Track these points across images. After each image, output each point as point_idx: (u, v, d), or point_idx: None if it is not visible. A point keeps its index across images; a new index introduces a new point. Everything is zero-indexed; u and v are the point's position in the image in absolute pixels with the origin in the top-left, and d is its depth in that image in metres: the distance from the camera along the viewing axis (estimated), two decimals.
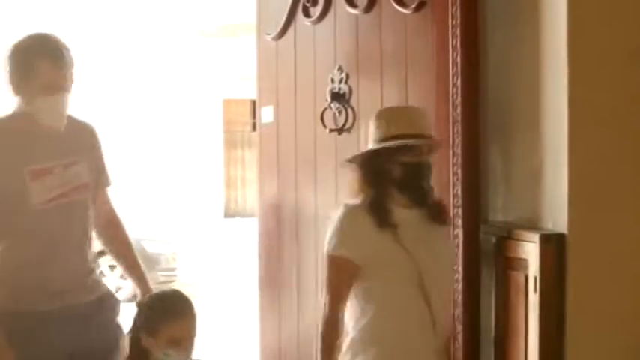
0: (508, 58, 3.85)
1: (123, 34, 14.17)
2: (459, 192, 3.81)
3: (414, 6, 4.08)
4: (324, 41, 4.75)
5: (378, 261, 3.38)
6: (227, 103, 16.16)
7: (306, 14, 4.83)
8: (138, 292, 3.92)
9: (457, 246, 3.80)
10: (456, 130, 3.81)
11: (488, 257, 3.77)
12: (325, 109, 4.66)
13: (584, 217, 3.43)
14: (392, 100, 4.24)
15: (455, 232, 3.80)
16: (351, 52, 4.59)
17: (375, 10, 4.35)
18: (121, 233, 4.01)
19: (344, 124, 4.57)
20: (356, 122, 4.51)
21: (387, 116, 3.47)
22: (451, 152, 3.82)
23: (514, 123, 3.83)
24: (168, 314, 3.49)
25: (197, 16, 14.39)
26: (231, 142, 16.90)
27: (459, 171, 3.80)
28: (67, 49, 3.69)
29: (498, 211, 3.85)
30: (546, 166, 3.61)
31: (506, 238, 3.64)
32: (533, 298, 3.44)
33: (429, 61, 4.02)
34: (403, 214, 3.43)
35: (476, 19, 3.86)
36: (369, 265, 3.37)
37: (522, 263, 3.53)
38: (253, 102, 6.95)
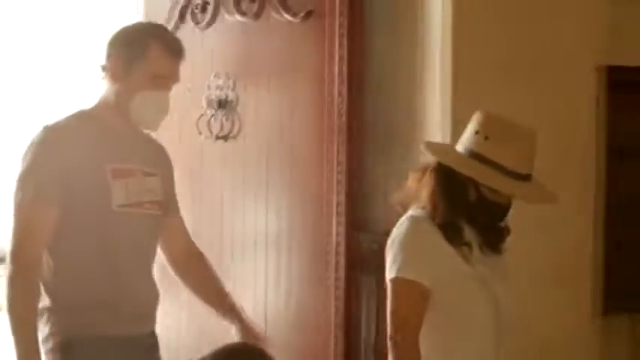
0: (390, 71, 3.92)
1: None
2: (342, 200, 3.86)
3: (301, 15, 4.12)
4: (212, 48, 4.74)
5: (452, 286, 2.73)
6: None
7: (195, 21, 4.81)
8: (237, 336, 3.21)
9: (338, 253, 3.84)
10: (340, 139, 3.85)
11: (369, 265, 3.81)
12: (212, 116, 4.65)
13: None
14: (278, 107, 4.27)
15: (337, 240, 3.85)
16: (239, 59, 4.60)
17: (264, 18, 4.37)
18: (208, 268, 3.36)
19: (230, 132, 4.57)
20: (242, 129, 4.52)
21: (491, 127, 2.72)
22: (335, 161, 3.86)
23: (396, 134, 3.89)
24: None
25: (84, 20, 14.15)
26: None
27: (343, 179, 3.85)
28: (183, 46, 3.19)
29: (381, 221, 3.90)
30: None
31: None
32: None
33: (315, 70, 4.06)
34: (468, 235, 2.79)
35: (362, 30, 3.92)
36: (440, 290, 2.71)
37: None
38: None
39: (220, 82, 4.64)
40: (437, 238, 2.70)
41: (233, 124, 4.58)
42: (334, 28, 3.91)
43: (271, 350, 2.60)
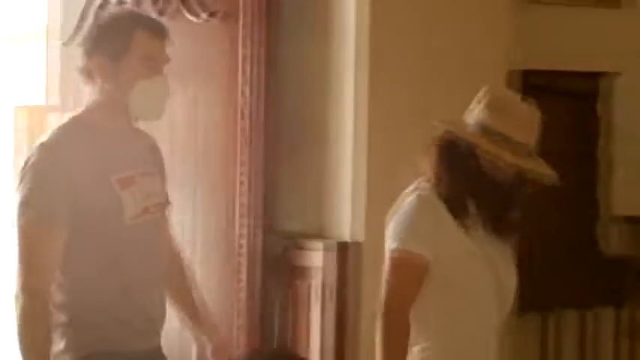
0: (304, 72, 3.92)
1: None
2: (245, 201, 3.84)
3: (205, 15, 4.09)
4: None
5: (454, 261, 2.69)
6: (21, 110, 15.65)
7: None
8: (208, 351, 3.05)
9: (241, 255, 3.82)
10: (243, 139, 3.83)
11: (275, 266, 3.80)
12: None
13: (376, 226, 3.52)
14: (185, 109, 4.23)
15: (240, 242, 3.83)
16: None
17: (167, 18, 4.31)
18: (187, 277, 3.16)
19: None
20: (148, 132, 4.47)
21: (496, 98, 2.72)
22: (238, 161, 3.84)
23: (310, 134, 3.89)
24: None
25: None
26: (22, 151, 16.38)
27: (246, 180, 3.83)
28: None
29: (288, 221, 3.89)
30: (337, 177, 3.69)
31: (294, 247, 3.69)
32: (330, 306, 3.50)
33: (219, 70, 4.03)
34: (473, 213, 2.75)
35: (268, 31, 3.90)
36: (442, 265, 2.67)
37: (309, 271, 3.58)
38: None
39: None
40: (442, 212, 2.66)
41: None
42: (238, 28, 3.89)
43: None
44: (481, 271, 2.69)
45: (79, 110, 2.87)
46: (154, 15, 4.34)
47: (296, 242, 3.72)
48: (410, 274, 2.65)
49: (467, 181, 2.67)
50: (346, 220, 3.63)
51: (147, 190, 2.85)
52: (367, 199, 3.60)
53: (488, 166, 2.65)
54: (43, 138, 2.81)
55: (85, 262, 2.76)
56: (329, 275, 3.50)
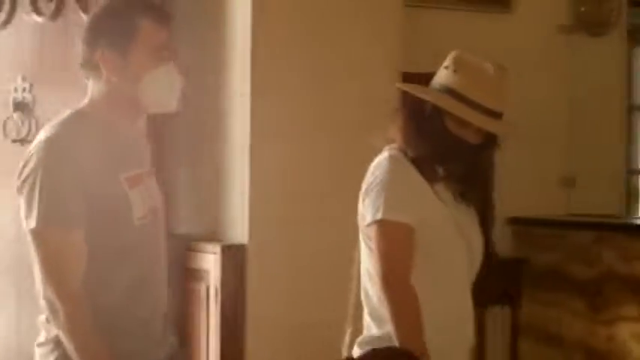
0: (194, 74, 3.91)
1: None
2: None
3: None
4: (8, 49, 4.59)
5: (432, 226, 2.68)
6: None
7: None
8: None
9: None
10: None
11: (170, 269, 3.79)
12: (7, 119, 4.52)
13: (263, 229, 3.55)
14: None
15: None
16: (35, 60, 4.48)
17: (62, 18, 4.27)
18: None
19: (27, 135, 4.45)
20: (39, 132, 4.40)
21: (460, 62, 2.72)
22: None
23: (203, 138, 3.89)
24: None
25: None
26: None
27: None
28: None
29: (182, 224, 3.89)
30: (229, 180, 3.69)
31: (188, 250, 3.69)
32: (214, 309, 3.50)
33: None
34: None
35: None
36: (421, 230, 2.66)
37: (203, 274, 3.58)
38: None
39: (16, 84, 4.52)
40: (416, 177, 2.67)
41: (30, 127, 4.45)
42: None
43: None
44: (454, 235, 2.71)
45: (82, 104, 2.64)
46: (47, 16, 4.31)
47: (191, 245, 3.72)
48: (403, 242, 2.63)
49: (434, 142, 2.67)
50: (236, 222, 3.65)
51: (152, 189, 2.69)
52: (251, 201, 3.62)
53: (454, 127, 2.65)
54: (46, 133, 2.55)
55: (90, 264, 2.51)
56: (215, 278, 3.51)
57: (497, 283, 4.43)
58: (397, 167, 2.67)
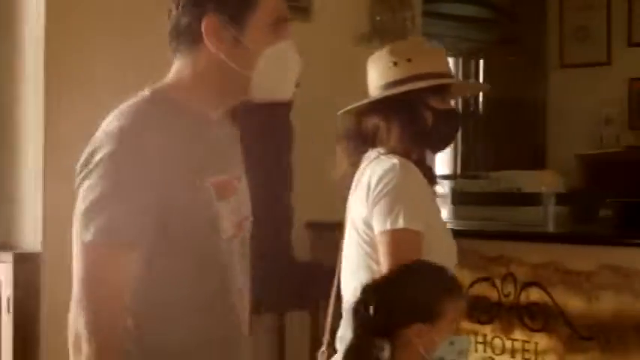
0: None
1: None
2: None
3: None
4: None
5: (436, 230, 2.72)
6: None
7: None
8: None
9: None
10: None
11: None
12: None
13: (59, 236, 3.48)
14: None
15: None
16: None
17: None
18: None
19: None
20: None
21: (404, 52, 2.79)
22: None
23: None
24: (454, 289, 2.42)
25: None
26: None
27: None
28: None
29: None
30: (23, 188, 3.61)
31: None
32: (7, 320, 3.41)
33: None
34: None
35: None
36: (429, 234, 2.65)
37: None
38: None
39: None
40: (423, 182, 2.69)
41: None
42: None
43: None
44: (450, 236, 2.80)
45: (163, 84, 2.09)
46: None
47: None
48: (417, 251, 2.60)
49: (437, 123, 2.74)
50: (29, 229, 3.57)
51: (241, 199, 2.18)
52: (45, 207, 3.54)
53: (439, 104, 2.75)
54: (118, 121, 1.97)
55: (165, 298, 2.02)
56: (7, 288, 3.43)
57: (295, 288, 4.49)
58: (409, 174, 2.66)
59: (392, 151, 2.70)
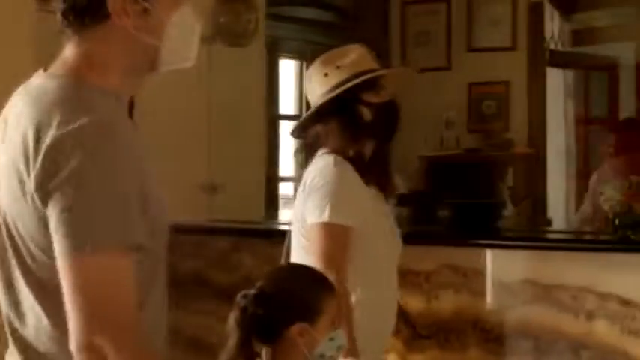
0: None
1: None
2: None
3: None
4: None
5: (371, 224, 2.86)
6: None
7: None
8: None
9: None
10: None
11: None
12: None
13: None
14: None
15: None
16: None
17: None
18: None
19: None
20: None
21: (332, 61, 2.94)
22: None
23: None
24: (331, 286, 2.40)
25: None
26: None
27: None
28: None
29: None
30: None
31: None
32: None
33: None
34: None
35: None
36: (362, 228, 2.81)
37: None
38: None
39: None
40: (357, 178, 2.83)
41: None
42: None
43: None
44: (390, 231, 2.95)
45: (70, 66, 1.87)
46: None
47: None
48: (341, 244, 2.76)
49: (377, 116, 2.89)
50: None
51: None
52: None
53: (374, 98, 2.89)
54: (83, 114, 1.73)
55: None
56: None
57: None
58: (342, 171, 2.82)
59: (329, 151, 2.87)
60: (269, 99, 6.17)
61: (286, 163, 6.92)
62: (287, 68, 6.96)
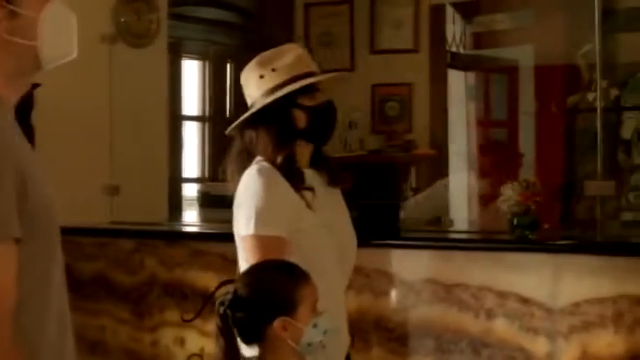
0: None
1: None
2: None
3: None
4: None
5: (304, 234, 2.79)
6: None
7: None
8: None
9: None
10: None
11: None
12: None
13: None
14: None
15: None
16: None
17: None
18: None
19: None
20: None
21: (268, 63, 2.88)
22: None
23: None
24: (303, 275, 2.48)
25: None
26: None
27: None
28: None
29: None
30: None
31: None
32: None
33: None
34: (310, 179, 2.89)
35: None
36: (294, 239, 2.76)
37: None
38: None
39: None
40: (285, 187, 2.77)
41: None
42: None
43: None
44: (325, 240, 2.83)
45: None
46: None
47: None
48: (274, 255, 2.67)
49: (312, 121, 2.85)
50: None
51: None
52: None
53: (307, 102, 2.85)
54: None
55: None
56: None
57: None
58: (267, 180, 2.76)
59: (260, 159, 2.83)
60: (172, 99, 6.13)
61: (190, 164, 6.89)
62: (190, 69, 6.93)
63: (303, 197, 2.81)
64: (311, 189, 2.83)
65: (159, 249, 4.61)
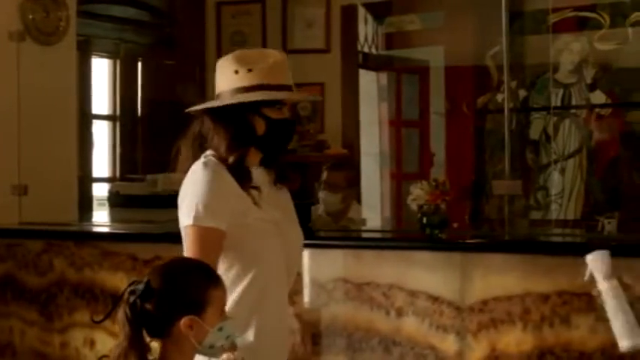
0: None
1: None
2: None
3: None
4: None
5: (246, 229, 2.82)
6: None
7: None
8: None
9: None
10: None
11: None
12: None
13: None
14: None
15: None
16: None
17: None
18: None
19: None
20: None
21: (247, 61, 2.87)
22: None
23: None
24: (215, 278, 2.52)
25: None
26: None
27: None
28: None
29: None
30: None
31: None
32: None
33: None
34: (257, 178, 2.90)
35: None
36: (235, 233, 2.79)
37: None
38: None
39: None
40: (230, 182, 2.78)
41: None
42: None
43: None
44: (270, 236, 2.84)
45: None
46: None
47: None
48: (209, 247, 2.73)
49: (271, 133, 2.85)
50: None
51: None
52: None
53: (273, 114, 2.85)
54: None
55: None
56: None
57: None
58: (213, 174, 2.79)
59: (210, 153, 2.85)
60: (81, 98, 6.05)
61: (100, 164, 6.81)
62: (101, 67, 6.85)
63: (249, 194, 2.83)
64: (257, 188, 2.85)
65: (68, 250, 4.56)
